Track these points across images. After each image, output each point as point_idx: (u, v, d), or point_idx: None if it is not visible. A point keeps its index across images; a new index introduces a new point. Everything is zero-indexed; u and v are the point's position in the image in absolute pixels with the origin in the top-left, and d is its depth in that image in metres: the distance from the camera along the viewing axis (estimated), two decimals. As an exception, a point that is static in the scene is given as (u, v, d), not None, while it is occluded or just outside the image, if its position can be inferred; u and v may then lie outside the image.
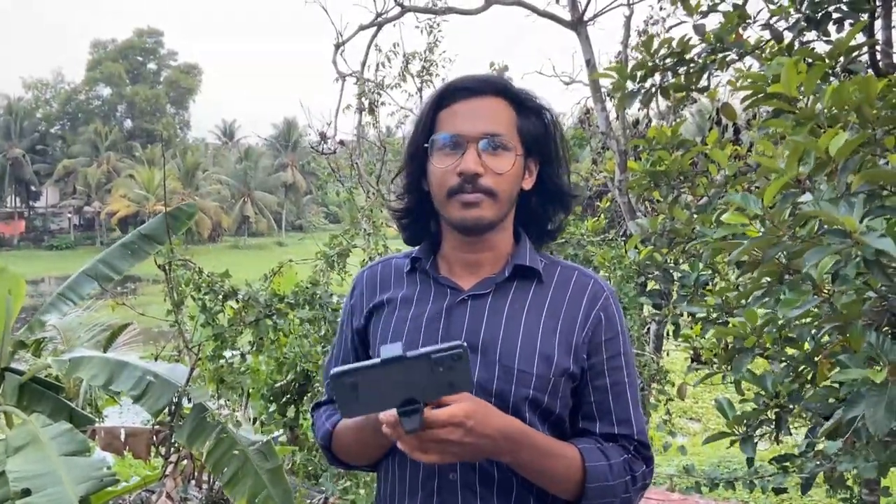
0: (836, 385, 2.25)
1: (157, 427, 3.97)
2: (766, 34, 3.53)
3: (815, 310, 2.25)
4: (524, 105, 1.26)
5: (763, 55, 3.45)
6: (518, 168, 1.24)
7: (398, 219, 1.35)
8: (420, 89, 6.02)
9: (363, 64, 5.82)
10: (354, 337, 1.36)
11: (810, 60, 2.88)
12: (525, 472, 1.15)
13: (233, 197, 56.60)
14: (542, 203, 1.31)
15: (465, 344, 0.96)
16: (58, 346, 8.10)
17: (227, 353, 3.83)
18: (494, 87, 1.24)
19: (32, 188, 57.04)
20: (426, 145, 1.24)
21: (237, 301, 3.84)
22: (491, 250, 1.28)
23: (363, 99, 5.57)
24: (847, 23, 3.36)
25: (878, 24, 3.31)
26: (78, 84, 62.64)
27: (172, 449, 3.77)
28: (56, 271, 36.59)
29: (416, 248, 1.35)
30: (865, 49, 3.17)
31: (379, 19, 6.01)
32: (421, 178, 1.29)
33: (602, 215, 6.06)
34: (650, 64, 3.59)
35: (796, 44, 3.41)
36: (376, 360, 0.95)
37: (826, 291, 2.02)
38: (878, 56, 3.41)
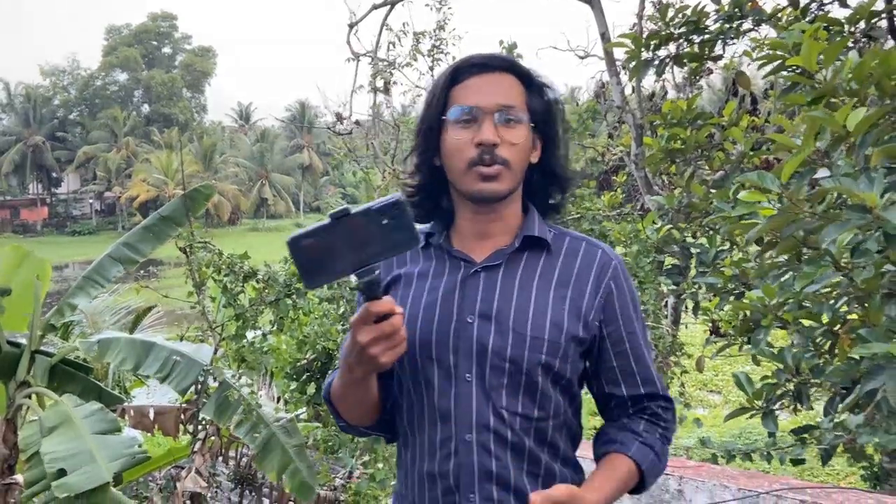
0: (856, 359, 2.25)
1: (184, 405, 4.06)
2: (783, 1, 3.48)
3: (835, 281, 2.25)
4: (532, 82, 1.30)
5: (779, 23, 3.41)
6: (528, 140, 1.29)
7: (410, 196, 1.38)
8: (431, 68, 6.00)
9: (376, 44, 5.81)
10: None
11: (827, 27, 2.84)
12: None
13: (250, 179, 56.83)
14: (546, 178, 1.36)
15: (402, 196, 1.02)
16: (85, 329, 8.26)
17: (250, 334, 3.89)
18: (504, 63, 1.29)
19: (54, 175, 57.65)
20: (443, 118, 1.28)
21: (257, 281, 3.90)
22: (502, 220, 1.32)
23: (377, 79, 5.56)
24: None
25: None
26: (94, 70, 62.94)
27: (200, 426, 3.86)
28: (79, 256, 37.09)
29: (429, 224, 1.39)
30: (884, 14, 3.12)
31: (391, -2, 5.99)
32: (433, 154, 1.32)
33: (619, 190, 6.04)
34: (665, 33, 3.55)
35: (813, 7, 3.36)
36: (324, 221, 1.01)
37: (845, 265, 2.02)
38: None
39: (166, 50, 66.77)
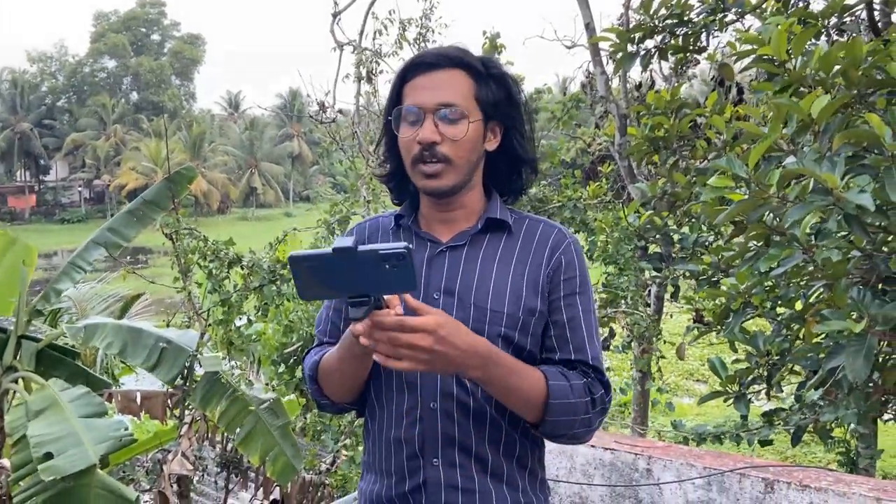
0: (823, 340, 2.32)
1: (171, 390, 4.10)
2: (766, -7, 3.53)
3: (801, 265, 2.31)
4: (483, 74, 1.35)
5: (763, 14, 3.46)
6: (475, 133, 1.33)
7: (385, 182, 1.48)
8: (418, 57, 5.99)
9: (360, 33, 5.82)
10: None
11: (803, 20, 2.89)
12: (493, 389, 1.26)
13: (239, 168, 56.60)
14: (507, 164, 1.42)
15: (410, 246, 1.05)
16: (73, 316, 8.26)
17: (237, 321, 3.94)
18: (451, 59, 1.34)
19: (42, 162, 57.21)
20: (390, 118, 1.37)
21: (242, 268, 3.94)
22: (462, 208, 1.40)
23: (361, 68, 5.58)
24: (846, -20, 3.36)
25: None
26: (82, 56, 62.40)
27: (187, 410, 3.90)
28: (68, 244, 36.86)
29: (402, 206, 1.46)
30: (861, 7, 3.18)
31: (376, -14, 5.98)
32: (395, 145, 1.40)
33: (605, 179, 6.09)
34: (649, 25, 3.60)
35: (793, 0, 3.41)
36: (329, 250, 1.05)
37: (808, 248, 2.08)
38: (877, 15, 3.42)
39: (155, 37, 66.26)
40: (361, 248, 1.04)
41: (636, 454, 2.08)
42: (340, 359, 1.30)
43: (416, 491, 1.33)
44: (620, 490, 2.04)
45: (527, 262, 1.36)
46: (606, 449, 2.08)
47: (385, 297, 1.11)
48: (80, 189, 57.47)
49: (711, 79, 6.64)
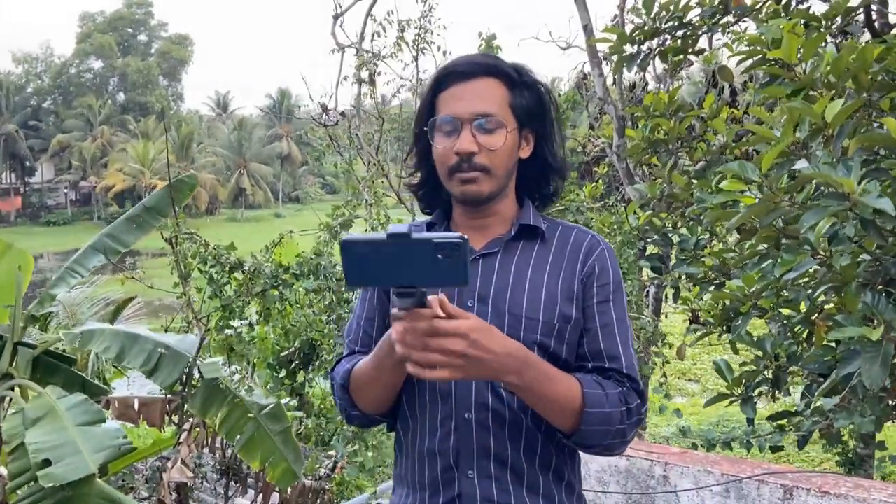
0: (833, 345, 2.32)
1: (169, 396, 4.06)
2: (763, -5, 3.54)
3: (812, 271, 2.31)
4: (516, 82, 1.34)
5: (759, 16, 3.46)
6: (511, 142, 1.32)
7: (414, 191, 1.46)
8: (416, 58, 5.99)
9: (361, 35, 5.79)
10: (381, 295, 1.43)
11: (806, 22, 2.90)
12: (529, 396, 1.23)
13: (228, 169, 56.33)
14: (538, 171, 1.41)
15: (466, 237, 1.02)
16: (62, 320, 8.17)
17: (236, 324, 3.90)
18: (485, 68, 1.32)
19: (27, 164, 56.71)
20: (425, 128, 1.35)
21: (243, 273, 3.90)
22: (495, 215, 1.38)
23: (362, 70, 5.56)
24: (845, -18, 3.37)
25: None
26: (68, 57, 61.92)
27: (186, 417, 3.86)
28: (54, 247, 36.61)
29: (433, 214, 1.45)
30: (861, 9, 3.19)
31: (376, -12, 5.97)
32: (428, 154, 1.39)
33: (600, 181, 6.09)
34: (649, 28, 3.59)
35: (793, 3, 3.42)
36: (383, 235, 1.01)
37: (823, 253, 2.07)
38: (874, 16, 3.43)
39: (142, 37, 65.83)
40: (416, 235, 1.01)
41: (652, 461, 2.06)
42: (376, 367, 1.27)
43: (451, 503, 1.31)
44: (637, 497, 2.02)
45: (561, 268, 1.35)
46: (622, 456, 2.07)
47: (428, 296, 1.08)
48: (66, 191, 57.01)
49: (706, 80, 6.66)
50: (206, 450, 4.28)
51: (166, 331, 4.08)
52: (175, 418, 4.00)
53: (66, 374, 4.13)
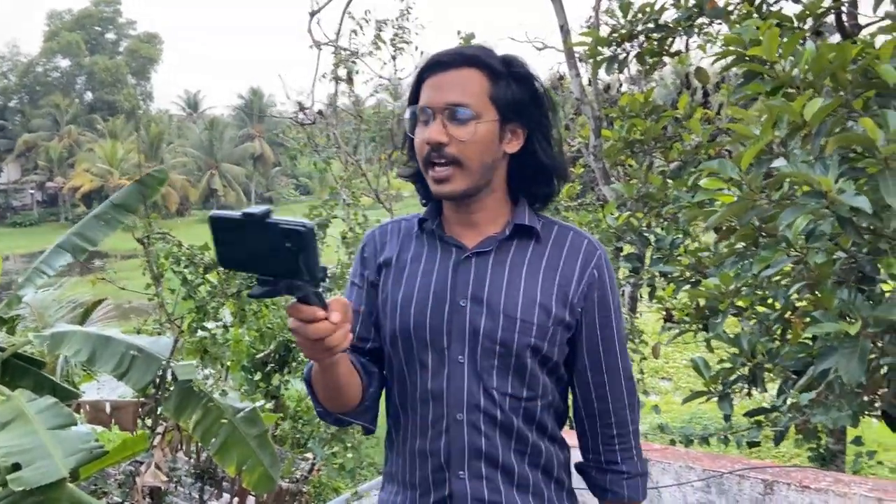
0: (809, 341, 2.35)
1: (142, 399, 3.98)
2: (735, -3, 3.58)
3: (789, 267, 2.34)
4: (501, 73, 1.30)
5: (732, 18, 3.51)
6: (487, 134, 1.28)
7: (411, 182, 1.43)
8: (394, 57, 5.97)
9: (338, 32, 5.76)
10: (370, 289, 1.41)
11: (779, 22, 2.94)
12: None
13: (199, 169, 55.68)
14: (531, 168, 1.37)
15: (311, 226, 0.98)
16: (29, 323, 8.00)
17: (210, 325, 3.84)
18: (467, 58, 1.29)
19: (-8, 164, 55.58)
20: (404, 117, 1.34)
21: (217, 273, 3.85)
22: (483, 211, 1.35)
23: (339, 68, 5.52)
24: (815, -17, 3.43)
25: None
26: (35, 56, 60.76)
27: (159, 420, 3.79)
28: (21, 249, 35.83)
29: (426, 209, 1.41)
30: (832, 11, 3.24)
31: (353, -15, 5.93)
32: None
33: (576, 181, 6.12)
34: (626, 30, 3.62)
35: (765, 6, 3.47)
36: (240, 212, 0.97)
37: (799, 251, 2.10)
38: (844, 17, 3.49)
39: (110, 36, 64.84)
40: (271, 218, 0.95)
41: (632, 458, 2.06)
42: (316, 368, 1.25)
43: (442, 503, 1.30)
44: (618, 495, 2.02)
45: (556, 270, 1.33)
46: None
47: (315, 300, 1.03)
48: (32, 192, 55.88)
49: (679, 82, 6.73)
50: (180, 453, 4.22)
51: (138, 333, 4.00)
52: (148, 422, 3.93)
53: (35, 377, 4.03)
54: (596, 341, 1.34)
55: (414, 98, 1.33)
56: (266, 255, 0.97)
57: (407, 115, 1.32)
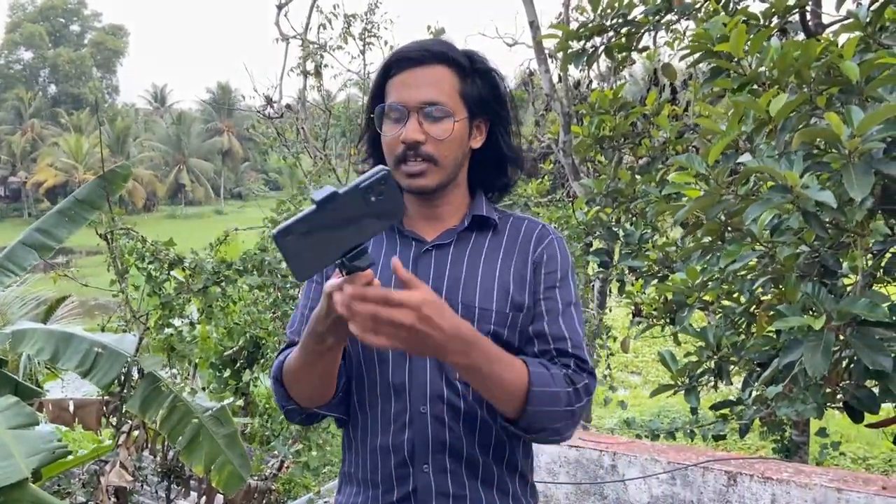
0: (773, 335, 2.38)
1: (106, 398, 3.91)
2: (703, -6, 3.62)
3: (754, 262, 2.37)
4: (468, 70, 1.32)
5: (699, 15, 3.54)
6: (460, 132, 1.30)
7: None
8: (363, 51, 5.94)
9: (306, 26, 5.70)
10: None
11: (746, 20, 2.97)
12: (474, 377, 1.18)
13: (167, 164, 54.90)
14: (492, 161, 1.39)
15: (388, 169, 0.99)
16: (-9, 321, 7.82)
17: (177, 322, 3.78)
18: (436, 55, 1.29)
19: (-49, 158, 54.19)
20: (373, 115, 1.32)
21: (183, 269, 3.79)
22: (447, 205, 1.36)
23: (307, 62, 5.47)
24: (781, -18, 3.47)
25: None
26: (-5, 47, 59.40)
27: (124, 419, 3.72)
28: (-18, 244, 35.02)
29: None
30: (797, 10, 3.29)
31: (321, -21, 5.88)
32: (379, 139, 1.35)
33: (546, 177, 6.15)
34: (595, 24, 3.63)
35: (731, 4, 3.51)
36: (311, 208, 0.96)
37: (765, 245, 2.12)
38: (808, 16, 3.54)
39: (74, 28, 63.61)
40: (341, 189, 0.96)
41: (601, 451, 2.08)
42: (307, 352, 1.20)
43: (405, 500, 1.28)
44: (586, 487, 2.04)
45: (512, 258, 1.34)
46: (571, 446, 2.08)
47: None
48: (-7, 187, 54.68)
49: (648, 78, 6.78)
50: (146, 452, 4.15)
51: (103, 330, 3.93)
52: (113, 420, 3.86)
53: (-5, 376, 3.93)
54: (541, 314, 1.31)
55: (379, 93, 1.32)
56: (347, 229, 0.96)
57: (380, 111, 1.30)
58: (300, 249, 0.97)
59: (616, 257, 3.92)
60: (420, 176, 1.28)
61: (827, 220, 2.05)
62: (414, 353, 1.15)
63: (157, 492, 4.27)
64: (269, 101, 5.39)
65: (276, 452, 4.20)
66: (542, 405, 1.21)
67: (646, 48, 3.95)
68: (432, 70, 1.29)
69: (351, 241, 0.98)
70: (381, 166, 0.98)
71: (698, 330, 2.75)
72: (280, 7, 5.53)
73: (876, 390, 2.09)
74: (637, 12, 3.62)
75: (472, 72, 1.32)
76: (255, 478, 4.16)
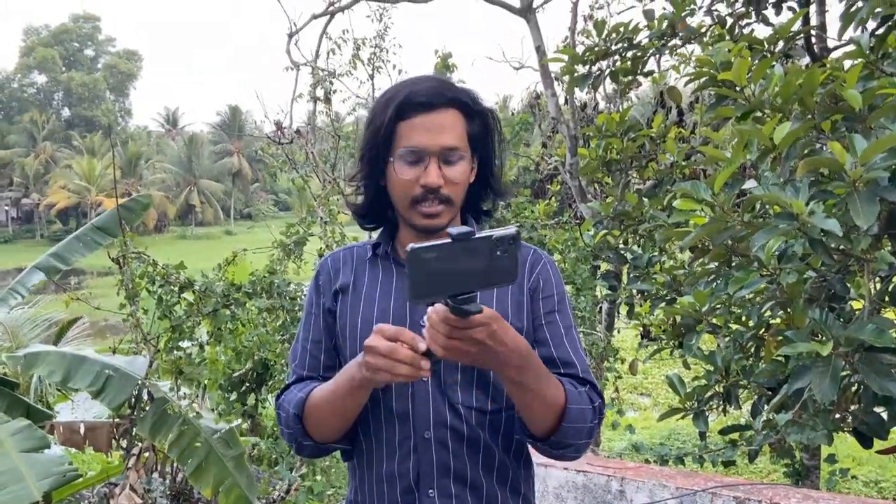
0: (782, 360, 2.38)
1: (117, 420, 3.93)
2: (708, 20, 3.66)
3: (762, 286, 2.37)
4: (472, 111, 1.37)
5: (704, 39, 3.57)
6: (468, 171, 1.36)
7: (358, 211, 1.46)
8: (371, 76, 6.01)
9: (316, 53, 5.79)
10: (327, 316, 1.42)
11: (750, 45, 2.99)
12: (523, 393, 1.23)
13: (177, 185, 55.28)
14: (480, 191, 1.44)
15: (518, 231, 1.03)
16: (3, 343, 7.87)
17: (185, 344, 3.81)
18: (448, 100, 1.33)
19: (-35, 180, 54.76)
20: (390, 156, 1.33)
21: (193, 292, 3.82)
22: (444, 235, 1.37)
23: (317, 88, 5.54)
24: (785, 6, 3.51)
25: (812, 9, 3.46)
26: (10, 72, 60.20)
27: (134, 441, 3.74)
28: (-6, 266, 35.27)
29: (376, 235, 1.45)
30: (802, 35, 3.31)
31: (331, 8, 5.98)
32: (379, 178, 1.38)
33: (553, 199, 6.17)
34: (601, 49, 3.67)
35: (736, 28, 3.54)
36: (447, 240, 1.01)
37: (771, 271, 2.13)
38: (813, 40, 3.56)
39: (88, 52, 64.45)
40: (478, 233, 1.01)
41: (609, 476, 2.08)
42: (338, 393, 1.26)
43: None
44: (594, 514, 2.04)
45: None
46: (579, 471, 2.08)
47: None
48: (7, 208, 55.13)
49: (655, 101, 6.82)
50: (155, 475, 4.16)
51: (114, 352, 3.95)
52: (123, 443, 3.87)
53: (8, 398, 3.96)
54: (545, 340, 1.36)
55: (388, 135, 1.33)
56: (468, 272, 1.02)
57: (400, 153, 1.32)
58: (425, 273, 1.01)
59: (624, 280, 3.93)
60: (437, 217, 1.32)
61: (833, 245, 2.06)
62: (476, 365, 1.21)
63: (165, 515, 4.27)
64: (279, 126, 5.46)
65: (282, 476, 4.20)
66: (576, 422, 1.27)
67: (651, 72, 3.99)
68: (446, 114, 1.32)
69: (467, 284, 1.03)
70: (514, 227, 1.03)
71: (706, 354, 2.75)
72: (291, 35, 5.62)
73: (885, 416, 2.08)
74: (642, 36, 3.67)
75: (474, 112, 1.36)
76: (263, 501, 4.16)
